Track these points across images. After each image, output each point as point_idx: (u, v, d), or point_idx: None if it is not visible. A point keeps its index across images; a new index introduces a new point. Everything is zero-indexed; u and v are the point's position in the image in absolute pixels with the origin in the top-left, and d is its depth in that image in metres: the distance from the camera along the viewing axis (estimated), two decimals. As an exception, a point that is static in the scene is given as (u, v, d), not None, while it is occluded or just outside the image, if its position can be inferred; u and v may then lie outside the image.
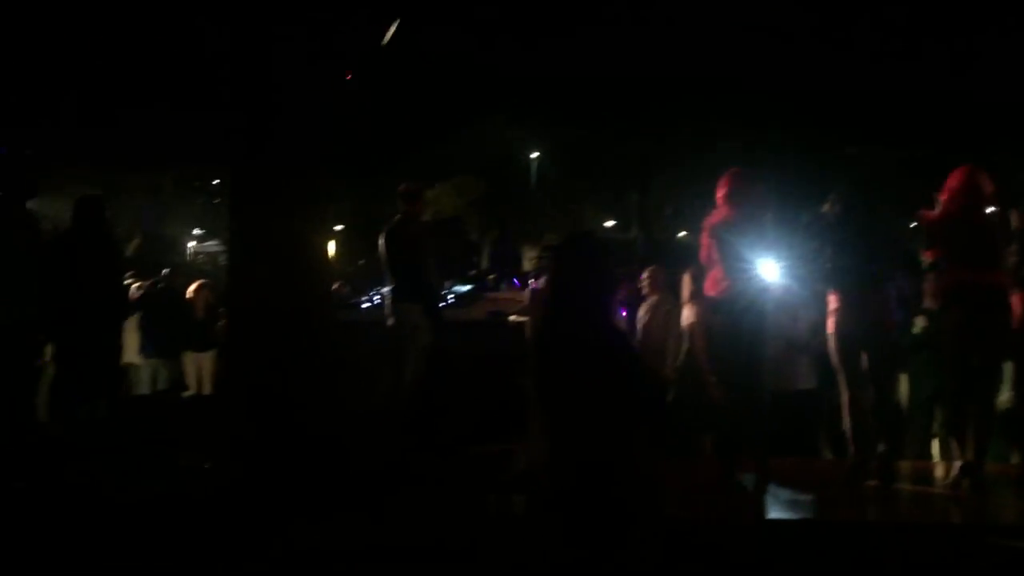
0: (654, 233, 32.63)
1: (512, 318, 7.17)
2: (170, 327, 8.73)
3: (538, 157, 38.32)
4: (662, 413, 3.32)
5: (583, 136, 34.33)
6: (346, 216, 29.71)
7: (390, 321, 6.79)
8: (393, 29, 6.22)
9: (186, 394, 8.93)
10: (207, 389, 8.93)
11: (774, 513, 4.88)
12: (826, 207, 5.40)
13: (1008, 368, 5.45)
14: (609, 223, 37.17)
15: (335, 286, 16.42)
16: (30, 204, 6.20)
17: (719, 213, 5.29)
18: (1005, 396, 5.54)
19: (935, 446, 6.48)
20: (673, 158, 32.09)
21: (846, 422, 5.38)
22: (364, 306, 10.46)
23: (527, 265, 29.13)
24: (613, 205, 38.16)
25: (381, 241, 6.89)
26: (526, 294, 6.31)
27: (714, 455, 5.71)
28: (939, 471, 5.95)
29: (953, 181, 5.26)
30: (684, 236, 30.25)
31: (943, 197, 5.30)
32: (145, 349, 8.50)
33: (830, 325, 5.38)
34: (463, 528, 4.50)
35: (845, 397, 5.35)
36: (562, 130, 34.71)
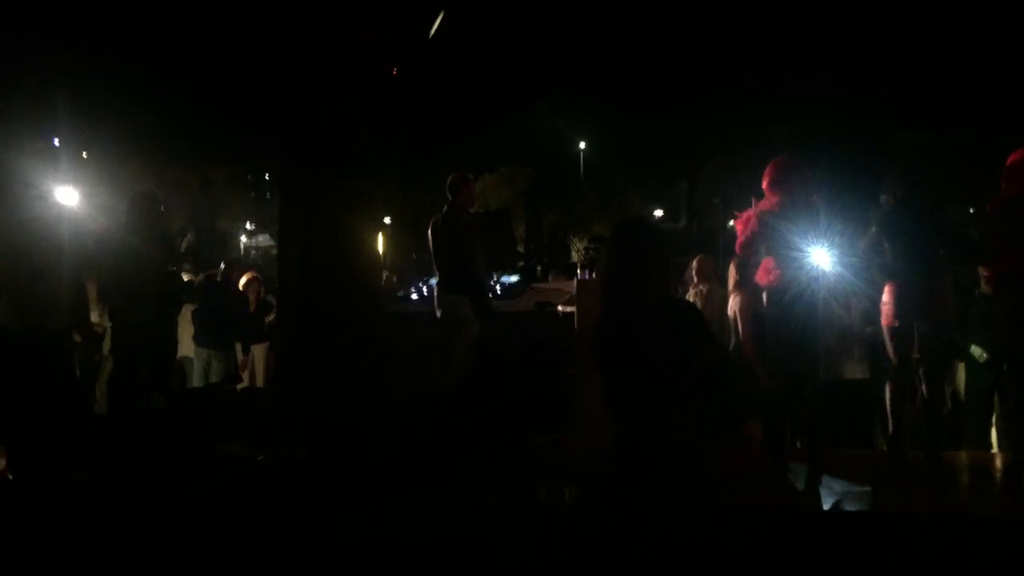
0: (704, 223, 32.36)
1: (560, 308, 7.15)
2: (224, 319, 8.88)
3: (585, 148, 38.20)
4: (724, 383, 3.38)
5: (630, 126, 34.16)
6: (395, 209, 29.91)
7: (438, 313, 6.83)
8: (439, 21, 6.23)
9: (240, 386, 9.08)
10: (259, 381, 9.08)
11: (823, 502, 4.83)
12: (884, 196, 5.35)
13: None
14: (657, 212, 36.93)
15: (384, 278, 16.60)
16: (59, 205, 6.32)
17: (767, 201, 5.26)
18: None
19: (994, 435, 6.36)
20: (722, 146, 31.81)
21: (889, 411, 5.33)
22: (413, 297, 10.52)
23: (575, 256, 29.11)
24: (661, 195, 37.92)
25: (429, 233, 6.93)
26: (573, 284, 6.28)
27: (762, 443, 5.66)
28: (998, 461, 5.84)
29: (1011, 164, 5.15)
30: (734, 226, 29.99)
31: (1002, 181, 5.20)
32: (199, 339, 8.65)
33: (885, 314, 5.32)
34: (512, 519, 4.53)
35: (891, 387, 5.30)
36: (609, 120, 34.59)
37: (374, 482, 4.89)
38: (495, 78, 32.14)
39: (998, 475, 5.38)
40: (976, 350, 6.12)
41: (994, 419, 6.35)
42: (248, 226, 38.90)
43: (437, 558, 4.21)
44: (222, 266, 10.28)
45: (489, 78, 31.90)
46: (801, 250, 5.11)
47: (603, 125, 35.16)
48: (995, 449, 6.24)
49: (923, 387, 5.29)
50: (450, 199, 6.88)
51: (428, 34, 6.23)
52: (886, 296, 5.33)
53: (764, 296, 5.51)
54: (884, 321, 5.36)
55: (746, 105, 29.00)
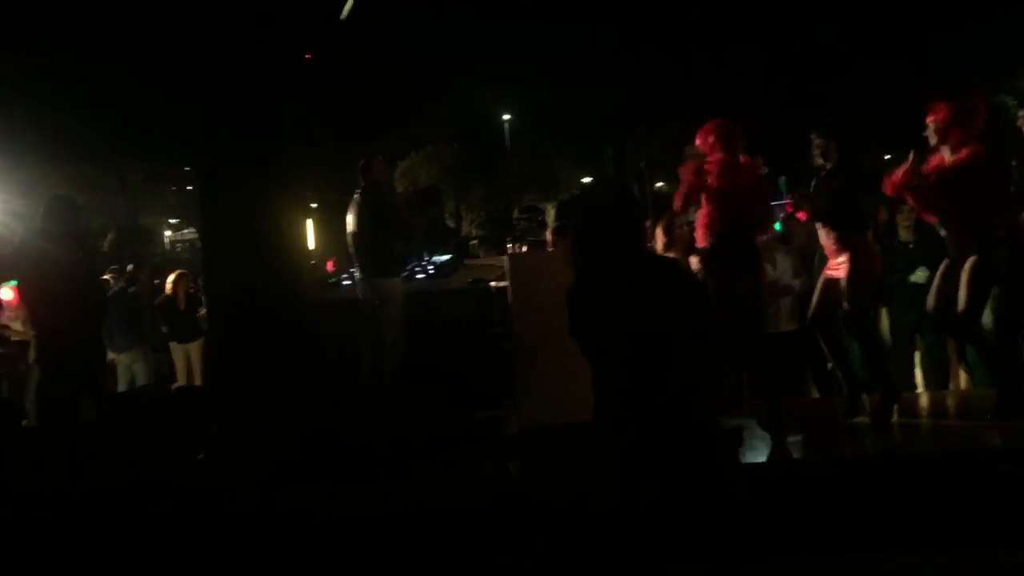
0: (631, 186, 32.57)
1: (493, 284, 7.17)
2: (133, 321, 8.76)
3: (510, 119, 38.08)
4: (716, 331, 3.34)
5: (554, 94, 34.14)
6: (325, 193, 29.51)
7: (361, 296, 6.82)
8: (351, 3, 6.15)
9: (175, 385, 8.93)
10: (197, 379, 8.94)
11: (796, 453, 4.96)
12: (815, 153, 5.34)
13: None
14: (585, 179, 37.08)
15: (332, 265, 16.42)
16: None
17: (711, 157, 5.27)
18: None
19: (918, 376, 6.59)
20: (646, 111, 32.00)
21: (832, 361, 5.44)
22: (344, 283, 10.43)
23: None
24: (588, 161, 38.02)
25: (348, 216, 6.91)
26: (506, 259, 6.29)
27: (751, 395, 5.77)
28: (924, 400, 6.07)
29: (944, 120, 5.09)
30: (661, 187, 30.26)
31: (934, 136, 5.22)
32: (115, 345, 8.48)
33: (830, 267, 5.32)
34: (461, 495, 4.55)
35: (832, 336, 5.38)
36: (532, 90, 34.51)
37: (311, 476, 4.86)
38: (416, 57, 31.80)
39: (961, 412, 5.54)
40: (920, 273, 6.20)
41: (917, 359, 6.59)
42: (172, 220, 38.05)
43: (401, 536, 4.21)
44: (129, 268, 10.04)
45: (410, 57, 31.54)
46: (741, 208, 5.16)
47: (527, 96, 35.11)
48: (920, 388, 6.49)
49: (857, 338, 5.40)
50: (363, 182, 6.86)
51: (341, 15, 6.15)
52: (823, 247, 5.37)
53: (693, 258, 5.60)
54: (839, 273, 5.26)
55: (670, 70, 29.24)
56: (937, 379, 6.50)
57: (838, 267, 5.19)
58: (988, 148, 5.02)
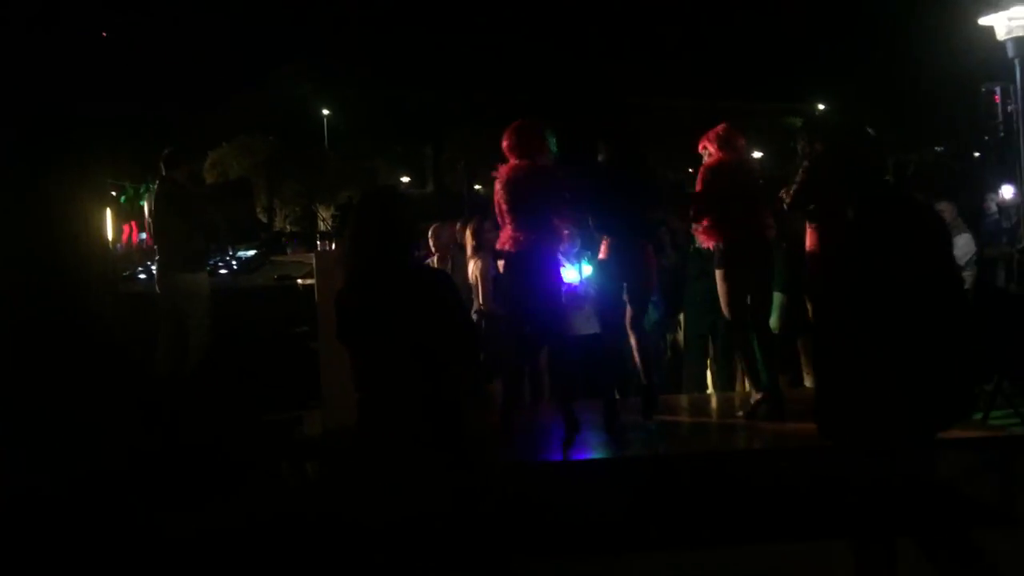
0: (449, 187, 32.78)
1: (300, 281, 7.01)
2: None
3: (330, 115, 37.45)
4: (476, 347, 3.38)
5: (374, 93, 33.86)
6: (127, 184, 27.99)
7: (160, 291, 6.51)
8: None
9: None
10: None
11: (563, 454, 5.07)
12: (600, 157, 5.53)
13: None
14: (404, 179, 36.97)
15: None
16: None
17: (507, 166, 5.32)
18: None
19: (709, 377, 6.94)
20: (466, 112, 32.25)
21: (637, 363, 5.62)
22: (140, 276, 9.93)
23: (322, 226, 28.55)
24: (408, 161, 37.94)
25: (145, 207, 6.62)
26: (314, 257, 6.16)
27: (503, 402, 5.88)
28: (715, 402, 6.41)
29: (724, 132, 5.45)
30: (479, 190, 30.62)
31: (712, 146, 5.47)
32: None
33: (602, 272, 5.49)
34: (261, 496, 4.43)
35: (633, 340, 5.55)
36: (352, 87, 34.08)
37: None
38: (231, 45, 30.70)
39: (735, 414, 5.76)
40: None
41: (709, 362, 6.95)
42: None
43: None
44: None
45: (225, 45, 30.41)
46: (542, 214, 5.24)
47: (347, 92, 34.63)
48: (710, 389, 6.84)
49: (633, 341, 5.61)
50: (165, 172, 6.57)
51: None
52: (602, 253, 5.50)
53: (500, 261, 5.64)
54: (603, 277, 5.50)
55: (491, 72, 29.59)
56: (724, 382, 6.84)
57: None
58: (741, 163, 5.45)
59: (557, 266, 5.35)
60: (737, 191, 5.37)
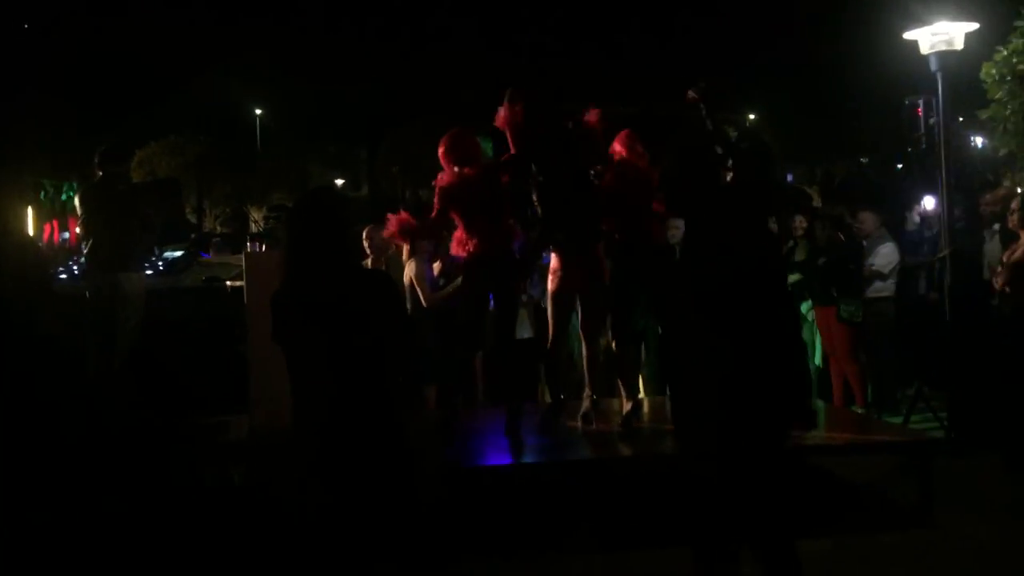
0: (384, 190, 32.58)
1: (229, 283, 6.89)
2: None
3: (262, 115, 37.01)
4: (411, 352, 3.34)
5: (309, 92, 33.53)
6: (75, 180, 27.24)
7: (87, 291, 6.32)
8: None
9: None
10: None
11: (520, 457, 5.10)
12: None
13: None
14: (339, 181, 36.66)
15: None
16: None
17: (447, 174, 5.28)
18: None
19: (641, 382, 7.00)
20: (401, 113, 32.11)
21: (583, 371, 5.66)
22: (61, 276, 9.64)
23: (253, 227, 28.15)
24: (342, 163, 37.65)
25: (77, 203, 6.41)
26: (243, 258, 6.06)
27: (437, 405, 5.87)
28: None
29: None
30: (422, 194, 30.51)
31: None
32: None
33: (551, 282, 5.46)
34: (184, 502, 4.35)
35: (585, 349, 5.60)
36: (286, 87, 33.71)
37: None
38: (162, 42, 30.11)
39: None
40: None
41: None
42: None
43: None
44: None
45: (155, 42, 29.81)
46: (488, 220, 5.19)
47: (281, 92, 34.22)
48: (641, 394, 6.89)
49: (584, 346, 5.65)
50: (97, 170, 6.40)
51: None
52: (552, 263, 5.49)
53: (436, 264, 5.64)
54: (550, 287, 5.47)
55: (428, 72, 29.49)
56: (657, 387, 6.91)
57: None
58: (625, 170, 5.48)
59: (513, 267, 5.35)
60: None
